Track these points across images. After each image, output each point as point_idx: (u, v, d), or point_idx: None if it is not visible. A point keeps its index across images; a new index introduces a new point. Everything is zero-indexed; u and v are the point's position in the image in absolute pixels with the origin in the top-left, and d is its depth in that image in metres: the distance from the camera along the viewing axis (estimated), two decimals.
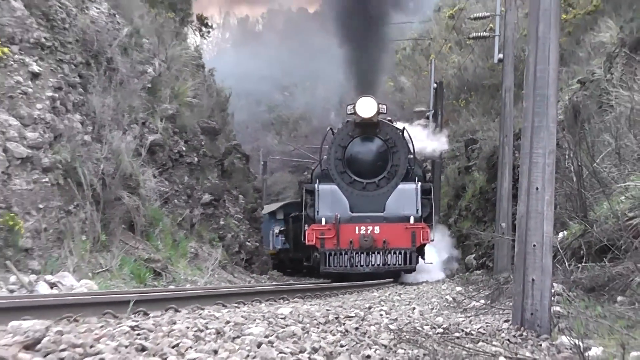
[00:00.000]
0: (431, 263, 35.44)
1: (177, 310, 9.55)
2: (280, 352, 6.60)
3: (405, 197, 32.41)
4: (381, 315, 11.48)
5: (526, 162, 12.02)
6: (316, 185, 32.94)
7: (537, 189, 11.77)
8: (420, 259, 33.84)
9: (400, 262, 31.28)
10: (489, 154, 36.35)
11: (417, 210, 31.93)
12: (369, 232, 31.16)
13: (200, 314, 8.86)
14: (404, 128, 35.01)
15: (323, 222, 31.64)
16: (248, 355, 6.21)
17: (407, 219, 31.43)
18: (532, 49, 12.15)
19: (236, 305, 11.64)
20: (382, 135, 33.41)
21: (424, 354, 8.52)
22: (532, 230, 11.74)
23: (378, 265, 31.28)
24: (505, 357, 9.09)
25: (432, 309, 14.66)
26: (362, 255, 31.31)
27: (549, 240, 11.87)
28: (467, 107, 45.33)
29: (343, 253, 31.16)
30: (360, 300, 15.47)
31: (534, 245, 11.69)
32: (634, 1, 30.19)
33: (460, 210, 40.70)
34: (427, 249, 38.03)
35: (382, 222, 31.72)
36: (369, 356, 7.50)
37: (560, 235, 17.60)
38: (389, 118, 36.84)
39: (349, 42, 39.11)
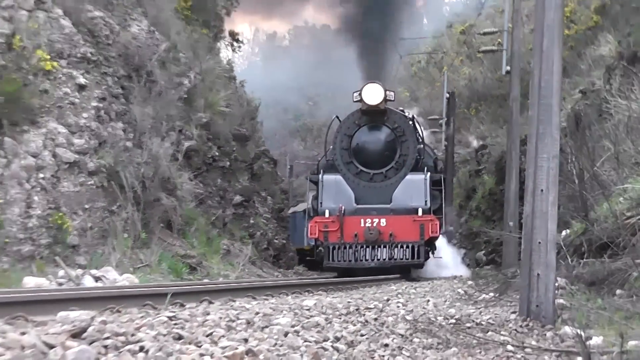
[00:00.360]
0: (440, 257, 32.52)
1: (210, 302, 9.55)
2: (305, 341, 6.59)
3: (413, 188, 28.57)
4: (398, 306, 11.46)
5: (532, 166, 12.00)
6: (320, 175, 29.46)
7: (541, 190, 11.75)
8: (430, 254, 30.92)
9: (407, 257, 27.58)
10: (498, 159, 36.21)
11: (426, 201, 28.11)
12: (374, 224, 27.65)
13: (232, 306, 8.86)
14: (412, 116, 31.83)
15: (326, 215, 28.07)
16: (276, 344, 6.21)
17: (415, 211, 27.76)
18: (537, 62, 12.12)
19: (265, 297, 11.63)
20: (390, 123, 29.63)
21: (438, 343, 8.50)
22: (538, 229, 11.71)
23: (384, 259, 27.58)
24: (513, 345, 9.06)
25: (445, 301, 14.62)
26: (367, 249, 27.73)
27: (553, 237, 11.85)
28: (477, 115, 45.25)
29: (347, 247, 27.70)
30: (379, 293, 15.44)
31: (539, 243, 11.66)
32: (630, 17, 30.16)
33: (471, 210, 40.59)
34: (443, 243, 36.09)
35: (389, 214, 28.09)
36: (387, 344, 7.49)
37: (564, 233, 17.53)
38: (401, 108, 33.63)
39: (358, 37, 36.07)
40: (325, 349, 6.49)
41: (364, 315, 9.36)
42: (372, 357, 6.75)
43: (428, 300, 13.79)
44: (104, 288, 14.53)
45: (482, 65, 45.57)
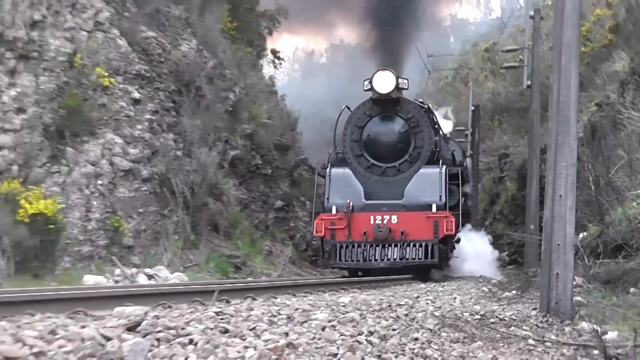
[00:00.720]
0: (457, 257, 27.60)
1: (254, 299, 9.55)
2: (341, 335, 6.59)
3: (427, 182, 24.41)
4: (427, 303, 11.43)
5: (551, 173, 11.95)
6: (327, 169, 25.23)
7: (560, 196, 11.70)
8: (450, 253, 26.69)
9: (420, 256, 23.35)
10: (519, 166, 36.00)
11: (441, 196, 24.02)
12: (385, 222, 23.61)
13: (274, 302, 8.86)
14: (428, 106, 27.04)
15: (333, 211, 24.06)
16: (314, 337, 6.21)
17: (429, 207, 23.73)
18: (556, 77, 12.08)
19: (304, 294, 11.62)
20: (404, 113, 25.29)
21: (464, 337, 8.48)
22: (557, 231, 11.67)
23: (395, 259, 23.49)
24: (534, 339, 9.03)
25: (471, 298, 14.57)
26: (376, 248, 23.62)
27: (571, 239, 11.80)
28: (500, 126, 45.05)
29: (356, 246, 23.64)
30: (410, 290, 15.39)
31: (558, 244, 11.62)
32: None
33: (495, 214, 40.37)
34: (481, 240, 32.81)
35: (401, 210, 24.00)
36: (416, 338, 7.47)
37: (581, 235, 17.46)
38: (421, 100, 28.85)
39: (376, 26, 30.69)
40: (360, 343, 6.48)
41: (395, 311, 9.34)
42: (403, 350, 6.73)
43: (455, 298, 13.75)
44: (156, 285, 14.58)
45: (505, 80, 45.38)
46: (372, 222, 23.67)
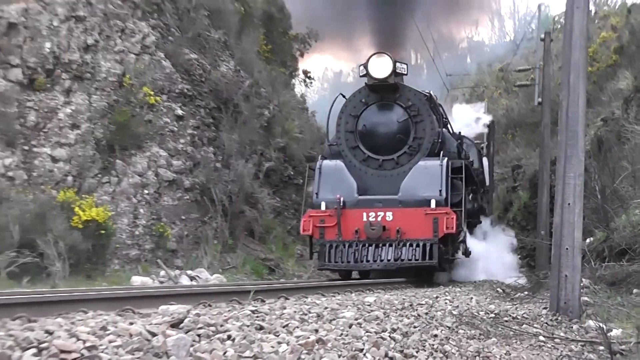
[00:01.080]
0: (460, 258, 22.41)
1: (286, 299, 9.56)
2: (367, 332, 6.59)
3: (426, 175, 20.18)
4: (446, 303, 11.40)
5: (560, 183, 11.95)
6: (318, 162, 21.06)
7: (569, 204, 11.70)
8: (457, 253, 22.10)
9: (417, 257, 19.12)
10: (531, 177, 35.75)
11: (441, 191, 19.76)
12: (379, 219, 19.46)
13: (305, 302, 8.88)
14: (430, 93, 22.38)
15: (323, 208, 19.87)
16: (342, 334, 6.21)
17: (427, 202, 19.48)
18: (565, 95, 12.08)
19: (332, 294, 11.61)
20: (403, 101, 20.88)
21: (480, 334, 8.46)
22: (566, 237, 11.66)
23: (389, 260, 19.26)
24: (544, 336, 9.03)
25: (486, 298, 14.53)
26: (369, 247, 19.41)
27: (579, 244, 11.80)
28: (514, 140, 44.84)
29: (347, 245, 19.40)
30: (430, 291, 15.36)
31: (567, 249, 11.62)
32: None
33: (508, 220, 40.04)
34: (500, 241, 28.85)
35: (397, 206, 19.66)
36: (436, 335, 7.46)
37: (588, 240, 17.39)
38: (428, 91, 23.47)
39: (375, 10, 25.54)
40: (384, 339, 6.48)
41: (416, 310, 9.33)
42: (424, 346, 6.72)
43: (471, 298, 13.71)
44: (197, 286, 14.61)
45: (518, 98, 45.23)
46: (364, 219, 19.50)
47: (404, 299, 10.43)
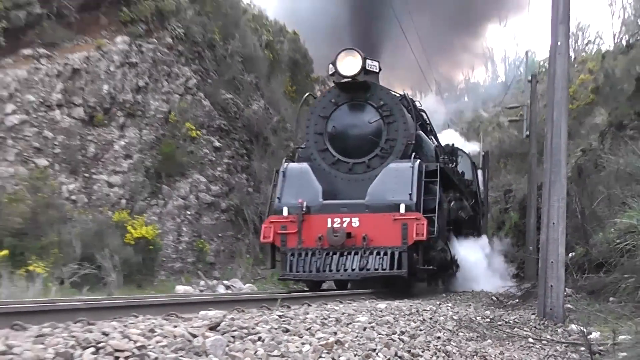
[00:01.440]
0: (432, 268, 17.25)
1: (309, 305, 9.53)
2: (379, 334, 6.55)
3: (396, 178, 16.38)
4: (447, 309, 11.35)
5: (546, 205, 11.94)
6: (283, 165, 17.18)
7: (553, 223, 11.68)
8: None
9: (385, 266, 15.43)
10: (520, 200, 35.61)
11: (411, 195, 15.90)
12: (344, 225, 15.73)
13: (325, 308, 8.85)
14: (405, 94, 18.58)
15: (285, 213, 16.23)
16: (357, 335, 6.18)
17: (397, 207, 15.68)
18: (549, 128, 12.09)
19: (349, 302, 11.55)
20: (375, 101, 17.19)
21: (477, 336, 8.42)
22: (551, 252, 11.63)
23: (353, 270, 15.56)
24: (533, 338, 9.00)
25: (482, 305, 14.44)
26: (333, 256, 15.74)
27: (562, 258, 11.77)
28: (505, 168, 44.78)
29: (309, 254, 15.78)
30: (434, 299, 15.28)
31: (552, 262, 11.58)
32: (617, 96, 30.02)
33: (501, 238, 39.99)
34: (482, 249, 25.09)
35: (363, 211, 15.99)
36: (439, 337, 7.42)
37: (570, 255, 17.28)
38: (403, 90, 19.40)
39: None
40: (394, 340, 6.45)
41: (422, 315, 9.29)
42: (428, 347, 6.68)
43: (469, 305, 13.64)
44: (232, 294, 14.62)
45: (509, 131, 45.21)
46: (329, 225, 15.72)
47: (411, 305, 10.39)
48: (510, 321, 10.86)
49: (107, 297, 12.49)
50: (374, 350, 5.80)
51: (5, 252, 14.56)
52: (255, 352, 4.79)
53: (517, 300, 16.71)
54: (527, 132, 31.81)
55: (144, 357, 4.03)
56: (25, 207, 16.41)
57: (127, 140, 20.55)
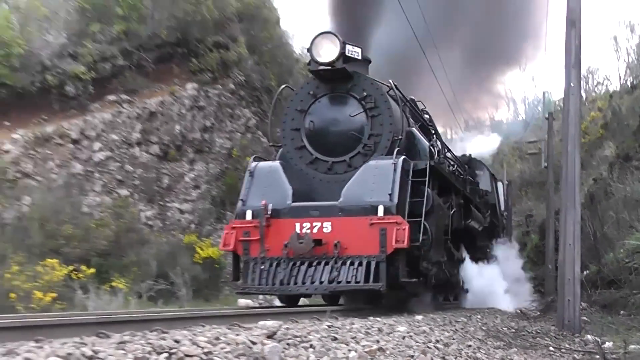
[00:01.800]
0: (417, 280, 12.05)
1: (354, 316, 9.47)
2: (416, 342, 6.48)
3: (375, 177, 12.27)
4: (477, 320, 11.19)
5: (562, 228, 11.80)
6: (251, 164, 13.12)
7: (569, 244, 11.54)
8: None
9: (359, 279, 11.18)
10: (540, 223, 35.11)
11: (391, 195, 11.72)
12: (314, 230, 11.74)
13: (369, 319, 8.75)
14: (392, 84, 13.53)
15: (249, 217, 12.38)
16: (397, 344, 6.12)
17: (374, 210, 11.63)
18: (564, 160, 11.99)
19: (390, 314, 11.48)
20: (357, 92, 13.03)
21: (504, 344, 8.29)
22: (567, 270, 11.47)
23: (322, 282, 11.39)
24: (553, 347, 8.87)
25: (508, 317, 14.22)
26: (301, 267, 11.68)
27: (578, 276, 11.63)
28: (526, 195, 44.30)
29: (274, 264, 11.81)
30: (465, 312, 15.07)
31: (569, 279, 11.42)
32: (624, 131, 29.75)
33: (523, 258, 39.48)
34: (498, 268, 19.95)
35: (337, 215, 11.95)
36: (470, 345, 7.31)
37: (585, 272, 17.02)
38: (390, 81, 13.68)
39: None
40: (430, 348, 6.36)
41: (454, 325, 9.16)
42: (460, 354, 6.58)
43: (496, 317, 13.44)
44: (287, 307, 14.54)
45: (529, 163, 44.84)
46: (299, 230, 11.76)
47: (444, 317, 10.26)
48: (533, 331, 10.73)
49: (178, 309, 12.52)
50: (412, 356, 5.73)
51: (92, 270, 14.74)
52: (308, 358, 4.76)
53: (538, 313, 16.50)
54: (545, 164, 31.61)
55: None
56: (110, 231, 16.62)
57: (196, 173, 20.74)
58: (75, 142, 18.47)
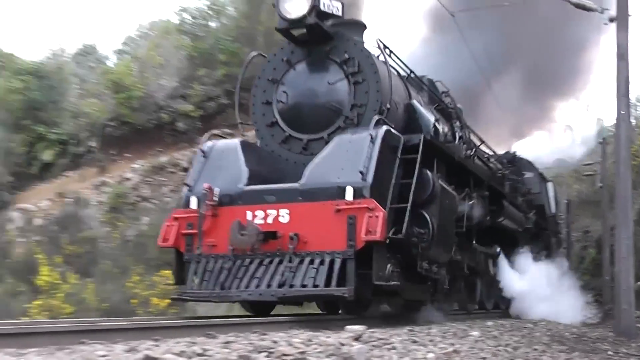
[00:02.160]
0: (397, 284, 7.44)
1: (432, 322, 9.29)
2: (487, 345, 6.32)
3: (347, 152, 7.51)
4: (542, 326, 10.87)
5: (617, 243, 11.66)
6: (204, 143, 8.79)
7: (624, 257, 11.29)
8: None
9: (318, 282, 6.85)
10: (597, 238, 34.06)
11: (363, 174, 7.13)
12: (269, 219, 7.33)
13: (444, 324, 8.58)
14: (380, 42, 8.54)
15: (193, 205, 7.86)
16: (471, 347, 5.96)
17: (341, 192, 7.03)
18: (617, 181, 11.88)
19: (462, 320, 11.23)
20: (337, 55, 8.43)
21: (567, 349, 8.00)
22: (623, 281, 11.26)
23: (269, 286, 7.02)
24: (611, 351, 8.61)
25: (570, 324, 13.75)
26: (250, 265, 7.27)
27: (632, 286, 11.36)
28: (584, 213, 43.28)
29: (218, 262, 7.45)
30: (529, 318, 14.53)
31: (624, 289, 11.19)
32: None
33: (582, 270, 38.29)
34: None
35: (296, 200, 7.36)
36: (536, 349, 7.08)
37: (638, 283, 16.39)
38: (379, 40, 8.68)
39: None
40: (500, 351, 6.19)
41: (522, 331, 8.90)
42: (527, 357, 6.37)
43: (559, 323, 13.02)
44: (370, 314, 14.45)
45: (586, 183, 43.95)
46: (249, 220, 7.77)
47: (512, 323, 9.96)
48: (593, 337, 10.38)
49: (275, 315, 12.58)
50: (484, 358, 5.57)
51: None
52: (391, 358, 4.67)
53: (597, 321, 15.95)
54: (600, 184, 31.06)
55: None
56: None
57: None
58: (185, 170, 18.92)
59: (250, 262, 7.43)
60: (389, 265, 7.36)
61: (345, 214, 7.13)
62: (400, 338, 5.60)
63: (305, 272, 7.13)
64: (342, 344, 4.70)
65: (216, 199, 7.87)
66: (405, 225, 7.32)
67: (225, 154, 8.53)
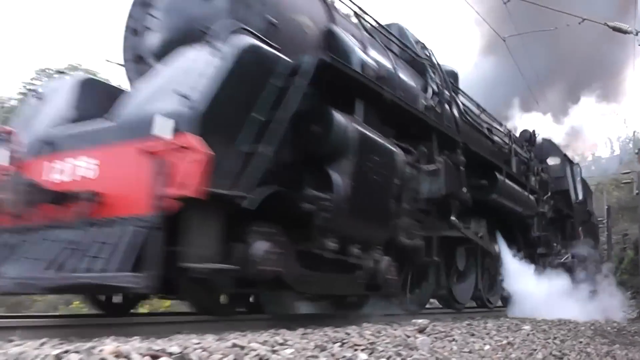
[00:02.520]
0: (279, 270, 4.24)
1: (487, 318, 9.05)
2: (538, 338, 6.16)
3: (185, 74, 3.29)
4: (585, 322, 10.48)
5: None
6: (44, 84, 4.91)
7: None
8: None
9: (104, 265, 2.86)
10: (634, 240, 32.74)
11: (187, 97, 3.14)
12: (70, 172, 3.32)
13: (499, 319, 8.36)
14: None
15: (4, 161, 3.86)
16: (523, 339, 5.82)
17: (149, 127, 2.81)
18: None
19: (514, 317, 10.89)
20: None
21: (608, 341, 7.73)
22: None
23: (35, 275, 2.89)
24: None
25: (610, 319, 13.21)
26: (25, 241, 3.11)
27: None
28: (622, 217, 41.70)
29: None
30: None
31: None
32: None
33: (621, 270, 36.69)
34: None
35: (108, 141, 3.23)
36: (581, 341, 6.85)
37: None
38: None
39: None
40: (549, 343, 6.03)
41: (568, 325, 8.61)
42: (574, 349, 6.18)
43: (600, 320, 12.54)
44: (433, 308, 14.27)
45: (624, 190, 42.49)
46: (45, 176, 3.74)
47: (559, 319, 9.60)
48: (632, 331, 9.99)
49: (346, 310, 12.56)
50: (535, 350, 5.46)
51: None
52: (451, 349, 4.64)
53: (635, 316, 15.35)
54: (637, 191, 29.98)
55: (374, 349, 4.01)
56: None
57: None
58: None
59: (28, 233, 4.00)
60: (260, 244, 4.27)
61: (150, 160, 3.65)
62: (460, 331, 5.54)
63: (92, 251, 3.67)
64: (408, 336, 4.69)
65: (23, 149, 4.62)
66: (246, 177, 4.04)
67: (54, 93, 5.11)
